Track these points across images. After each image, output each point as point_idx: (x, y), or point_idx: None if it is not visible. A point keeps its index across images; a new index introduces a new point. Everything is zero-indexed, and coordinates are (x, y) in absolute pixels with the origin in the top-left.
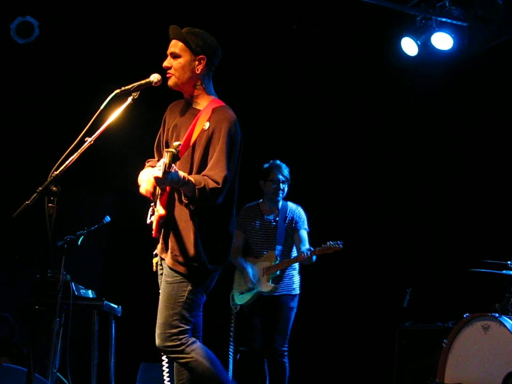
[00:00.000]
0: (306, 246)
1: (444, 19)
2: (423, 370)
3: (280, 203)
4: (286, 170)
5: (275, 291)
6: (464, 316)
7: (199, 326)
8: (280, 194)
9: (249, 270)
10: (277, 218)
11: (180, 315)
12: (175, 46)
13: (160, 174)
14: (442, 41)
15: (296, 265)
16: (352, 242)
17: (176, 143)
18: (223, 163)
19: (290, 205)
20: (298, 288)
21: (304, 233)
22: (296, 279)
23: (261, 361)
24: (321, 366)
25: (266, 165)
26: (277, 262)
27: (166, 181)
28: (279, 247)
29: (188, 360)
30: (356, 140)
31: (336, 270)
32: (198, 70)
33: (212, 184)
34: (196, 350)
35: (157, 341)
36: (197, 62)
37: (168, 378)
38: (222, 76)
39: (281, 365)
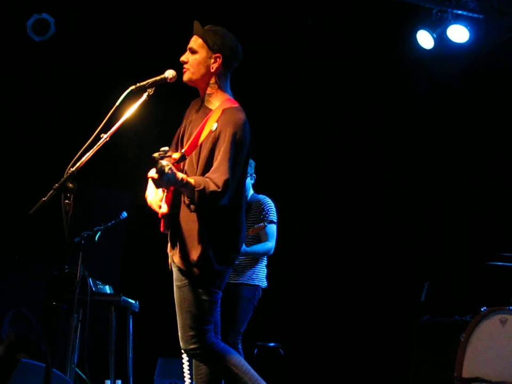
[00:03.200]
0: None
1: (459, 11)
2: (440, 365)
3: (249, 197)
4: None
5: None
6: (482, 309)
7: (218, 322)
8: None
9: None
10: None
11: (196, 317)
12: (195, 41)
13: (155, 175)
14: (458, 33)
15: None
16: (370, 236)
17: (162, 148)
18: (225, 166)
19: (261, 196)
20: (258, 280)
21: (270, 226)
22: (258, 270)
23: None
24: (339, 360)
25: None
26: None
27: (162, 182)
28: None
29: (214, 360)
30: (373, 132)
31: (354, 264)
32: (212, 68)
33: (212, 187)
34: (219, 349)
35: (181, 344)
36: (212, 60)
37: (189, 374)
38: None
39: None
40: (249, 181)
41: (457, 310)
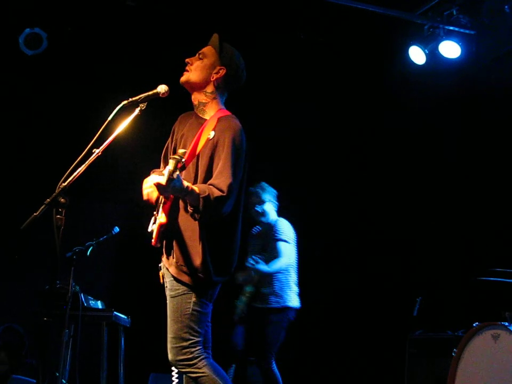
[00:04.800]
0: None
1: (451, 27)
2: (433, 380)
3: (272, 223)
4: (259, 192)
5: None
6: (474, 324)
7: (208, 337)
8: (260, 217)
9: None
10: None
11: (188, 327)
12: (208, 50)
13: (163, 181)
14: (450, 49)
15: (286, 276)
16: (362, 251)
17: (181, 150)
18: (228, 171)
19: (279, 219)
20: (282, 301)
21: (278, 244)
22: (282, 292)
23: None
24: (331, 375)
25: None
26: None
27: (168, 188)
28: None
29: (199, 374)
30: (362, 148)
31: (346, 279)
32: (213, 77)
33: (217, 193)
34: (208, 366)
35: (170, 356)
36: (216, 69)
37: None
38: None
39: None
40: (270, 207)
41: (450, 325)
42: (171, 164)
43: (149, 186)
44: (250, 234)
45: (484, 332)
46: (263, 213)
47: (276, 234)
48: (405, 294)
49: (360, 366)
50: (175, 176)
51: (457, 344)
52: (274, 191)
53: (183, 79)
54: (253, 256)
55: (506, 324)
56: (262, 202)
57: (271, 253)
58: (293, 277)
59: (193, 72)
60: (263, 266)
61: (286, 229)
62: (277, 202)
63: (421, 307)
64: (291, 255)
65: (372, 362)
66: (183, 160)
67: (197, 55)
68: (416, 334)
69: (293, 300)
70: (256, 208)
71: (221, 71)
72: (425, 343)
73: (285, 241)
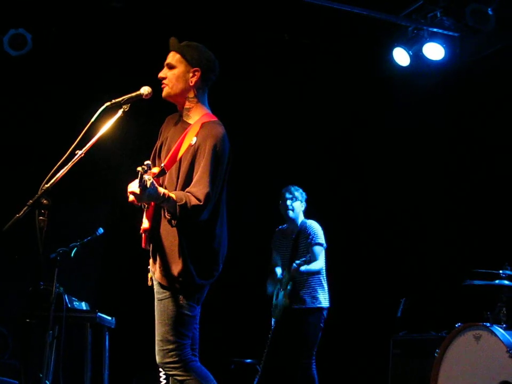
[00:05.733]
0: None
1: (435, 29)
2: (416, 381)
3: (299, 222)
4: (293, 190)
5: (291, 305)
6: (456, 325)
7: (196, 339)
8: (290, 212)
9: (270, 288)
10: (293, 236)
11: (175, 330)
12: (172, 57)
13: (137, 190)
14: (434, 51)
15: (319, 278)
16: (346, 252)
17: (146, 162)
18: (205, 180)
19: (309, 222)
20: (317, 302)
21: (315, 248)
22: (317, 293)
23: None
24: None
25: None
26: (287, 277)
27: (143, 196)
28: (296, 262)
29: (185, 378)
30: (347, 149)
31: (331, 279)
32: (191, 82)
33: (193, 201)
34: (194, 369)
35: (157, 358)
36: (191, 74)
37: None
38: (214, 87)
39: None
40: (300, 207)
41: (434, 326)
42: (138, 175)
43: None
44: (276, 233)
45: (466, 332)
46: (293, 210)
47: (314, 239)
48: (389, 295)
49: (344, 366)
50: (148, 184)
51: (440, 345)
52: (305, 195)
53: (164, 94)
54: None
55: (488, 324)
56: (295, 198)
57: (306, 255)
58: (325, 278)
59: (170, 85)
60: (303, 268)
61: (320, 233)
62: (305, 204)
63: (404, 308)
64: (324, 258)
65: (356, 363)
66: (156, 168)
67: (165, 67)
68: (400, 334)
69: (326, 300)
70: (286, 203)
71: (196, 73)
72: (409, 344)
73: (321, 245)
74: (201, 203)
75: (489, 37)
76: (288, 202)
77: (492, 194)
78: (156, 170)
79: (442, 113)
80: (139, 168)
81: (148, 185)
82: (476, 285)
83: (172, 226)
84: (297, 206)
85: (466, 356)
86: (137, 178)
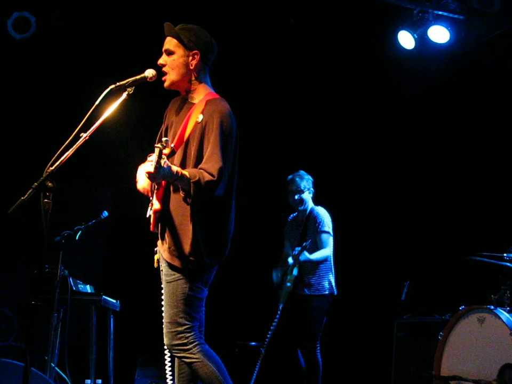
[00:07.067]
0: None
1: (440, 12)
2: (420, 363)
3: (309, 209)
4: (298, 180)
5: (296, 290)
6: (460, 308)
7: (202, 321)
8: (299, 205)
9: (274, 276)
10: (303, 224)
11: (183, 312)
12: (169, 43)
13: (151, 169)
14: (439, 34)
15: (326, 265)
16: (349, 236)
17: (164, 139)
18: (217, 155)
19: (317, 209)
20: (323, 289)
21: (322, 236)
22: (324, 280)
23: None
24: None
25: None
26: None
27: (158, 175)
28: (296, 248)
29: (193, 360)
30: (352, 134)
31: (334, 263)
32: (192, 65)
33: (207, 177)
34: (202, 352)
35: (165, 340)
36: (190, 57)
37: (170, 373)
38: (217, 72)
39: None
40: (308, 195)
41: (438, 309)
42: (155, 152)
43: (142, 176)
44: (288, 222)
45: (469, 315)
46: (302, 202)
47: (321, 227)
48: (393, 278)
49: (348, 350)
50: (162, 163)
51: (443, 328)
52: (311, 179)
53: (166, 84)
54: (303, 244)
55: (492, 307)
56: (301, 191)
57: (314, 243)
58: (332, 266)
59: (171, 72)
60: (308, 255)
61: (328, 220)
62: (313, 189)
63: (408, 291)
64: (332, 245)
65: (360, 346)
66: (167, 148)
67: (164, 53)
68: (404, 317)
69: (333, 288)
70: (294, 197)
71: (196, 56)
72: (413, 327)
73: (328, 232)
74: (215, 178)
75: (494, 20)
76: (296, 196)
77: (496, 178)
78: (166, 151)
79: (446, 96)
80: (158, 145)
81: (162, 164)
82: (480, 265)
83: (187, 204)
84: (305, 197)
85: (470, 339)
86: (154, 154)
